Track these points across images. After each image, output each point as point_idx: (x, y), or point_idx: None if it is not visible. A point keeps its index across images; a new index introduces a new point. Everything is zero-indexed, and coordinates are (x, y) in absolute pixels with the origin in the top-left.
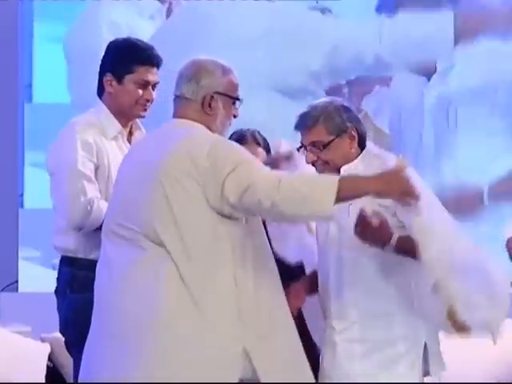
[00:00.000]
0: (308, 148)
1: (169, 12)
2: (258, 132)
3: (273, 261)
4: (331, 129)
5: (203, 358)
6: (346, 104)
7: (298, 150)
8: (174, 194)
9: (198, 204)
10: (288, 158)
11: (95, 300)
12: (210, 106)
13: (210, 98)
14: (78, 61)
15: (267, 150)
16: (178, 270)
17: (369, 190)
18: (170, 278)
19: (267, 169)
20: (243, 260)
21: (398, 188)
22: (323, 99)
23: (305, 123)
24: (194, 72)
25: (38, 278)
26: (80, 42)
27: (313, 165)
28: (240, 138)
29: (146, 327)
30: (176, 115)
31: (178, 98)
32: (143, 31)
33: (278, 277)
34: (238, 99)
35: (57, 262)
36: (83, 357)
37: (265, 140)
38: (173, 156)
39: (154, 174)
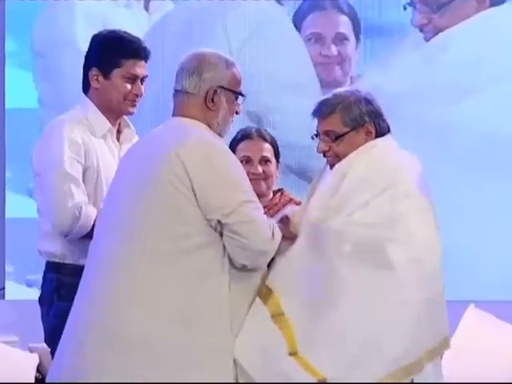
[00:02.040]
0: (321, 137)
1: (146, 1)
2: (264, 129)
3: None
4: (347, 120)
5: (194, 366)
6: (369, 97)
7: (313, 137)
8: (166, 197)
9: (190, 209)
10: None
11: None
12: (212, 100)
13: (213, 92)
14: (48, 54)
15: (274, 145)
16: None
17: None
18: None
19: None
20: (236, 267)
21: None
22: (347, 88)
23: (321, 110)
24: (197, 65)
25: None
26: (51, 33)
27: (323, 155)
28: (245, 134)
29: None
30: (176, 112)
31: (178, 93)
32: (118, 20)
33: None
34: (241, 94)
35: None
36: None
37: (271, 136)
38: (167, 160)
39: (149, 179)
